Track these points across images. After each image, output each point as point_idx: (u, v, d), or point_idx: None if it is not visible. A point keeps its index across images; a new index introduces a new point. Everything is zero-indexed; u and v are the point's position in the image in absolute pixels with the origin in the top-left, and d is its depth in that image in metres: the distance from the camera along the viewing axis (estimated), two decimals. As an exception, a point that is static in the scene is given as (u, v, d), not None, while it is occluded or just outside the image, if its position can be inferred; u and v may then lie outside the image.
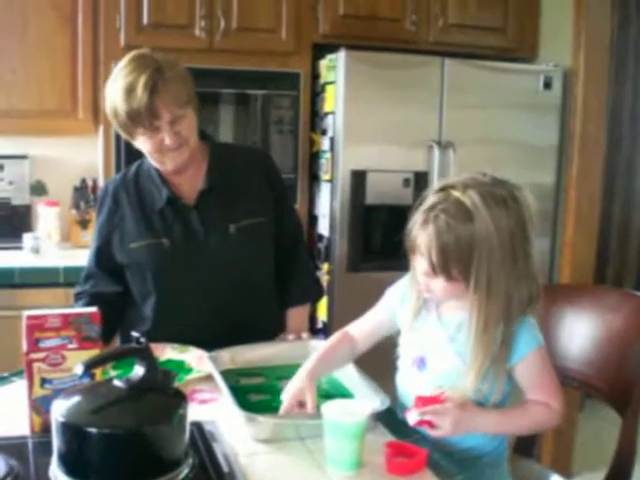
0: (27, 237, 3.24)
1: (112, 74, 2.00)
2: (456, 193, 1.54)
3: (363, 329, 1.83)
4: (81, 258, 3.09)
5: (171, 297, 2.09)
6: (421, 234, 1.56)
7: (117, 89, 1.94)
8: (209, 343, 1.94)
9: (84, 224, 3.49)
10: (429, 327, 1.69)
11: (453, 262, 1.53)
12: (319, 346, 1.92)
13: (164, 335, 2.03)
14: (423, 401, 1.56)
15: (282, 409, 1.59)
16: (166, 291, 2.09)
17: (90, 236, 3.33)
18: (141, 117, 1.92)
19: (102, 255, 2.14)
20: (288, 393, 1.61)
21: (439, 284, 1.58)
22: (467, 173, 1.63)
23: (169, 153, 2.00)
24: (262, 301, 2.18)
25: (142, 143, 2.01)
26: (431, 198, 1.58)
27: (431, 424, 1.53)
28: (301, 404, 1.60)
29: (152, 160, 2.05)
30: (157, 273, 2.08)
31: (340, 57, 3.16)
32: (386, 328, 1.81)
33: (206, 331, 2.03)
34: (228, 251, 2.08)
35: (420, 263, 1.60)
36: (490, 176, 1.59)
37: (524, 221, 1.56)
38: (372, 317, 1.84)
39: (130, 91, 1.91)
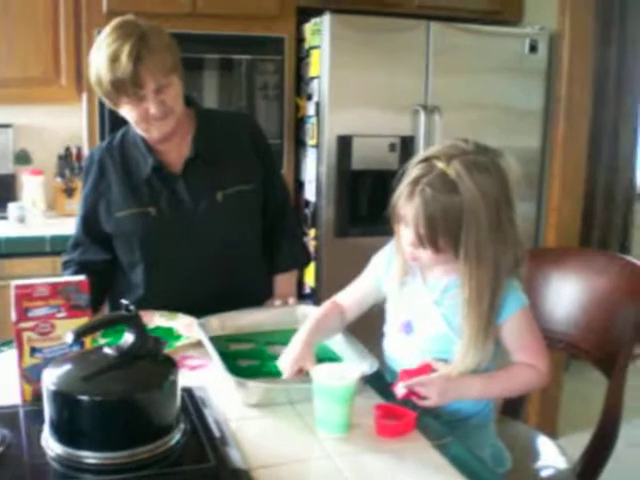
0: (12, 207, 3.23)
1: (96, 42, 1.97)
2: (440, 164, 1.54)
3: (350, 298, 1.84)
4: (67, 226, 3.09)
5: (159, 265, 2.09)
6: (407, 207, 1.56)
7: (101, 58, 1.91)
8: (198, 310, 1.94)
9: (69, 192, 3.47)
10: (415, 292, 1.70)
11: (441, 234, 1.53)
12: (308, 311, 1.94)
13: (153, 303, 2.03)
14: (408, 374, 1.58)
15: (285, 377, 1.61)
16: (154, 260, 2.09)
17: (76, 204, 3.32)
18: (125, 86, 1.90)
19: (89, 223, 2.13)
20: (287, 362, 1.62)
21: (426, 254, 1.59)
22: (448, 140, 1.63)
23: (155, 122, 1.98)
24: (250, 268, 2.18)
25: (127, 112, 1.99)
26: (415, 170, 1.57)
27: (418, 395, 1.55)
28: (300, 371, 1.61)
29: (138, 129, 2.03)
30: (144, 242, 2.07)
31: (325, 21, 3.14)
32: (372, 296, 1.82)
33: (195, 298, 2.03)
34: (216, 219, 2.08)
35: (406, 234, 1.60)
36: (472, 143, 1.59)
37: (507, 187, 1.57)
38: (358, 286, 1.85)
39: (114, 60, 1.88)
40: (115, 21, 1.96)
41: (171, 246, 2.08)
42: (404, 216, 1.58)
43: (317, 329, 1.72)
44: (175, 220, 2.06)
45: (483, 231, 1.52)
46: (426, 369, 1.59)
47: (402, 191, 1.57)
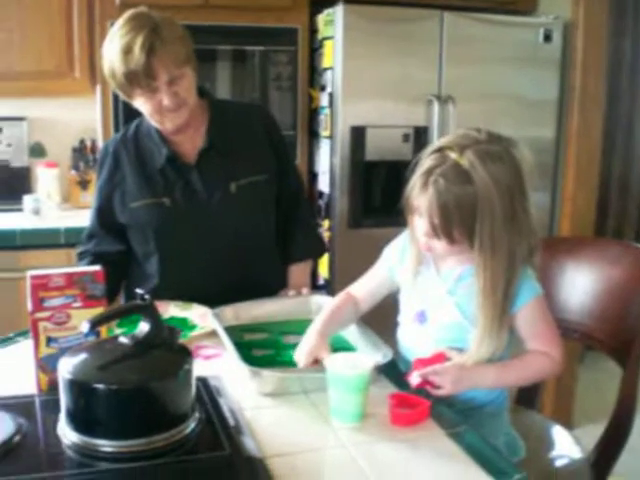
0: (27, 199, 3.24)
1: (109, 34, 1.97)
2: (453, 154, 1.53)
3: (364, 289, 1.84)
4: (81, 218, 3.10)
5: (173, 256, 2.10)
6: (421, 198, 1.55)
7: (114, 50, 1.91)
8: (213, 300, 1.95)
9: (84, 185, 3.49)
10: (428, 281, 1.70)
11: (455, 225, 1.53)
12: (321, 301, 1.95)
13: (168, 293, 2.04)
14: (422, 362, 1.58)
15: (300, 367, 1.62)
16: (168, 250, 2.10)
17: (90, 197, 3.34)
18: (138, 78, 1.90)
19: (104, 215, 2.14)
20: (302, 353, 1.63)
21: (440, 244, 1.59)
22: (461, 130, 1.62)
23: (168, 114, 1.98)
24: (264, 258, 2.19)
25: (141, 104, 1.99)
26: (428, 160, 1.57)
27: (432, 384, 1.55)
28: (316, 361, 1.61)
29: (152, 120, 2.04)
30: (158, 232, 2.08)
31: (338, 11, 3.13)
32: (386, 287, 1.82)
33: (209, 289, 2.04)
34: (230, 209, 2.08)
35: (420, 224, 1.60)
36: (485, 132, 1.58)
37: (521, 176, 1.56)
38: (372, 277, 1.85)
39: (127, 52, 1.89)
40: (128, 13, 1.97)
41: (185, 237, 2.08)
42: (418, 207, 1.58)
43: (331, 320, 1.73)
44: (189, 211, 2.07)
45: (497, 221, 1.52)
46: (440, 358, 1.59)
47: (415, 182, 1.57)
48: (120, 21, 1.95)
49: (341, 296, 1.84)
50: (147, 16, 1.95)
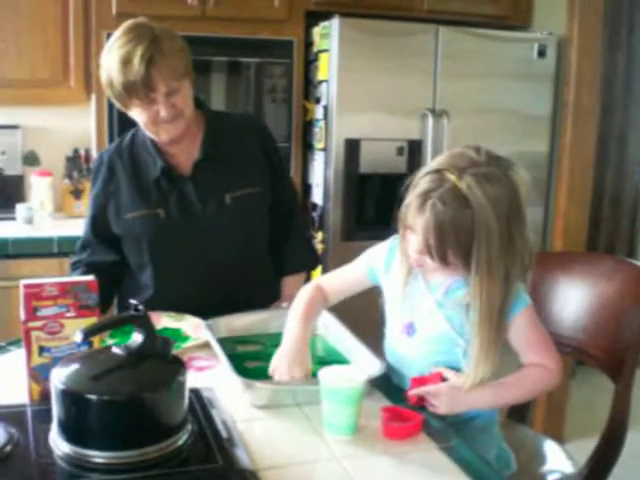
0: (20, 207, 3.23)
1: (108, 43, 1.97)
2: (451, 177, 1.50)
3: (337, 285, 1.86)
4: (75, 228, 3.09)
5: (167, 267, 2.10)
6: (417, 220, 1.53)
7: (113, 60, 1.91)
8: (207, 311, 1.95)
9: (77, 194, 3.48)
10: (416, 293, 1.69)
11: (451, 248, 1.51)
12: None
13: (162, 304, 2.03)
14: (419, 381, 1.59)
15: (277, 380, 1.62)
16: (162, 261, 2.09)
17: (83, 206, 3.35)
18: (137, 89, 1.90)
19: (98, 224, 2.13)
20: (283, 365, 1.62)
21: (433, 262, 1.58)
22: (458, 149, 1.59)
23: (164, 125, 1.98)
24: (258, 270, 2.19)
25: (137, 114, 1.99)
26: (425, 181, 1.54)
27: (430, 402, 1.56)
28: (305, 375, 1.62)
29: (147, 131, 2.03)
30: (153, 244, 2.08)
31: (334, 24, 3.14)
32: (362, 286, 1.83)
33: (203, 300, 2.03)
34: (224, 221, 2.08)
35: (414, 242, 1.57)
36: (484, 152, 1.55)
37: (518, 200, 1.54)
38: (348, 274, 1.85)
39: (126, 62, 1.88)
40: (127, 23, 1.96)
41: (179, 248, 2.08)
42: (413, 225, 1.55)
43: (308, 323, 1.75)
44: (183, 222, 2.06)
45: (494, 245, 1.50)
46: (436, 378, 1.59)
47: (412, 202, 1.54)
48: (119, 31, 1.95)
49: (310, 291, 1.83)
50: (147, 27, 1.95)
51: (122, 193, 2.09)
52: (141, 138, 2.10)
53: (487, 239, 1.49)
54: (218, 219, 2.08)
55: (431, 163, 1.60)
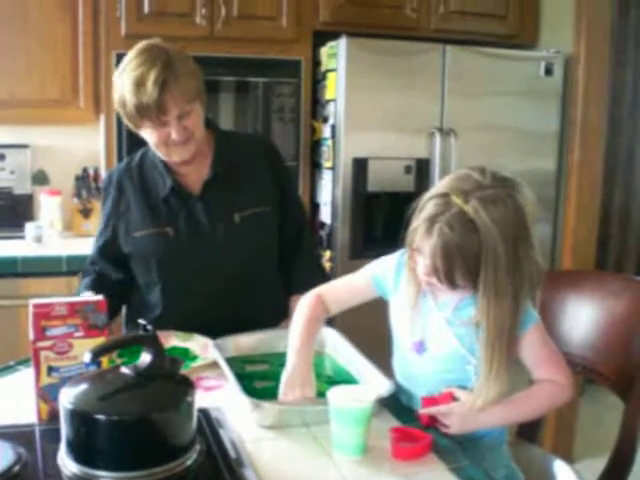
0: (29, 226, 3.25)
1: (121, 64, 1.97)
2: (457, 201, 1.50)
3: (339, 294, 1.85)
4: (84, 247, 3.10)
5: (176, 286, 2.10)
6: (424, 242, 1.53)
7: (126, 81, 1.92)
8: (216, 330, 1.94)
9: (86, 213, 3.50)
10: (426, 310, 1.69)
11: (459, 272, 1.52)
12: (324, 333, 1.93)
13: (170, 323, 2.04)
14: (430, 401, 1.59)
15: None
16: (171, 280, 2.10)
17: (92, 225, 3.36)
18: (149, 112, 1.91)
19: (108, 245, 2.14)
20: (290, 388, 1.62)
21: (441, 284, 1.58)
22: (463, 171, 1.59)
23: (175, 147, 1.99)
24: (266, 288, 2.18)
25: (148, 135, 2.00)
26: (431, 205, 1.54)
27: (441, 423, 1.56)
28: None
29: (158, 152, 2.04)
30: (161, 262, 2.08)
31: (341, 44, 3.16)
32: (363, 296, 1.83)
33: (212, 319, 2.02)
34: (233, 240, 2.08)
35: (422, 264, 1.58)
36: (490, 174, 1.55)
37: (525, 221, 1.54)
38: (352, 284, 1.85)
39: (140, 85, 1.89)
40: (141, 44, 1.97)
41: (188, 267, 2.08)
42: (420, 248, 1.56)
43: (311, 340, 1.74)
44: (192, 241, 2.06)
45: (501, 268, 1.50)
46: (447, 397, 1.59)
47: (419, 226, 1.55)
48: (133, 51, 1.96)
49: (311, 304, 1.82)
50: (161, 49, 1.96)
51: (132, 212, 2.10)
52: (151, 157, 2.11)
53: (494, 261, 1.49)
54: (227, 238, 2.08)
55: (437, 185, 1.60)
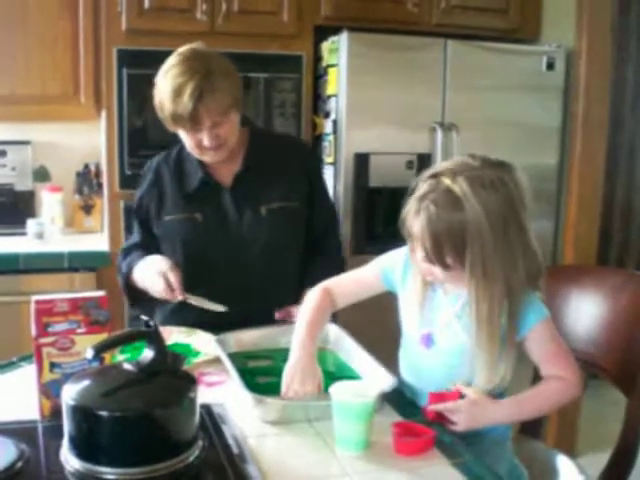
0: (31, 223, 3.25)
1: (165, 65, 2.03)
2: (446, 180, 1.53)
3: (347, 288, 1.85)
4: (85, 243, 3.11)
5: (199, 272, 2.13)
6: (414, 223, 1.56)
7: (166, 88, 1.99)
8: (235, 320, 1.96)
9: (87, 209, 3.50)
10: (435, 304, 1.69)
11: (446, 251, 1.53)
12: (328, 329, 1.92)
13: (191, 310, 2.06)
14: (437, 397, 1.58)
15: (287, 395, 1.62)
16: (195, 265, 2.14)
17: (94, 221, 3.37)
18: (183, 121, 1.99)
19: (144, 223, 2.23)
20: (306, 381, 1.62)
21: (438, 270, 1.58)
22: (458, 157, 1.63)
23: (207, 151, 2.06)
24: (287, 284, 2.20)
25: (183, 137, 2.08)
26: (423, 185, 1.57)
27: (448, 419, 1.55)
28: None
29: (192, 152, 2.11)
30: (187, 245, 2.15)
31: (342, 39, 3.15)
32: (371, 290, 1.84)
33: (232, 307, 2.04)
34: (258, 231, 2.14)
35: (418, 252, 1.59)
36: (480, 158, 1.58)
37: (515, 202, 1.54)
38: (360, 278, 1.86)
39: (177, 94, 1.96)
40: (186, 49, 2.04)
41: (212, 252, 2.14)
42: (411, 229, 1.58)
43: (316, 334, 1.74)
44: (219, 228, 2.14)
45: (488, 249, 1.51)
46: (455, 395, 1.59)
47: (410, 207, 1.58)
48: (178, 56, 2.02)
49: (319, 297, 1.82)
50: (203, 59, 2.01)
51: (165, 196, 2.18)
52: (187, 150, 2.16)
53: (480, 242, 1.51)
54: (252, 229, 2.14)
55: (431, 168, 1.63)
